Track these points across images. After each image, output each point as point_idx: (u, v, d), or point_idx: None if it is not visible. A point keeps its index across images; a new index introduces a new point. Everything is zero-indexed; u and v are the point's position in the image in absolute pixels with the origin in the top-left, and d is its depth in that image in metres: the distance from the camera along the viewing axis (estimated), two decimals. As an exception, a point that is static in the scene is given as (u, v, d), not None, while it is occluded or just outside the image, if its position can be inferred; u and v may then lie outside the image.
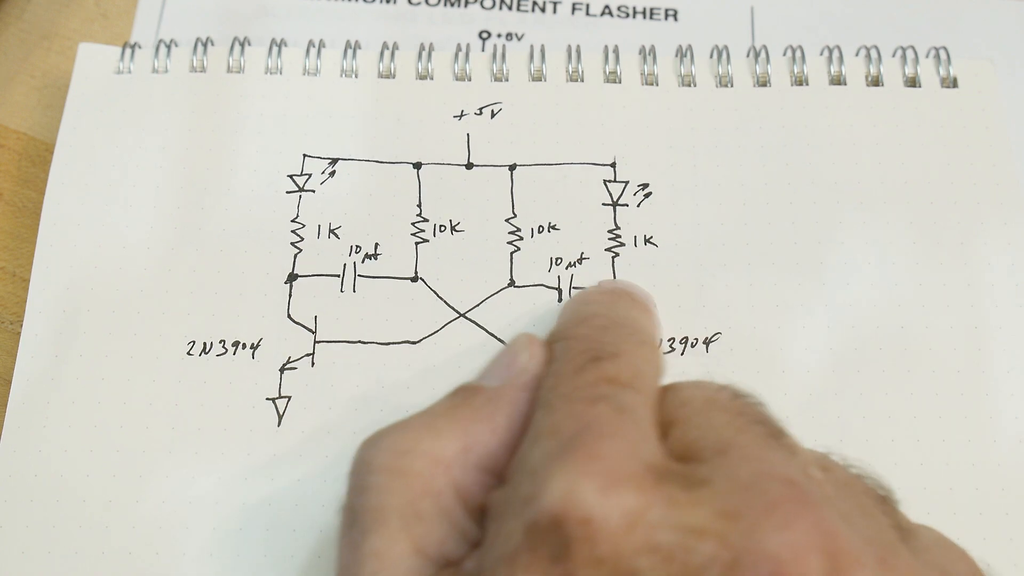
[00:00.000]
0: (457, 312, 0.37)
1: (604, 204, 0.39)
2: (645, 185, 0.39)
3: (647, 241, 0.38)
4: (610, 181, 0.39)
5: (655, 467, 0.23)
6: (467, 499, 0.26)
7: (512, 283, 0.37)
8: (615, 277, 0.37)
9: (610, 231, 0.38)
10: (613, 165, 0.39)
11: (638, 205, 0.39)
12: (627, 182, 0.39)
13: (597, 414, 0.24)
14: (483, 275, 0.37)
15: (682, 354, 0.36)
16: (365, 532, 0.25)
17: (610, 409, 0.24)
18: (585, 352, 0.27)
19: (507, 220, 0.38)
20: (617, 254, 0.38)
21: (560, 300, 0.37)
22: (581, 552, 0.21)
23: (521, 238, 0.38)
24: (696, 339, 0.36)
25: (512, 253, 0.38)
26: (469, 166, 0.39)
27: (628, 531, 0.21)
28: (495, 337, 0.36)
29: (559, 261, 0.38)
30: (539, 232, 0.38)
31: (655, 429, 0.25)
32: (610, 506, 0.21)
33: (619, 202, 0.39)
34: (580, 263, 0.38)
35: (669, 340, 0.36)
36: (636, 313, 0.32)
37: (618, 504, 0.21)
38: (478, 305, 0.37)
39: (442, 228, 0.38)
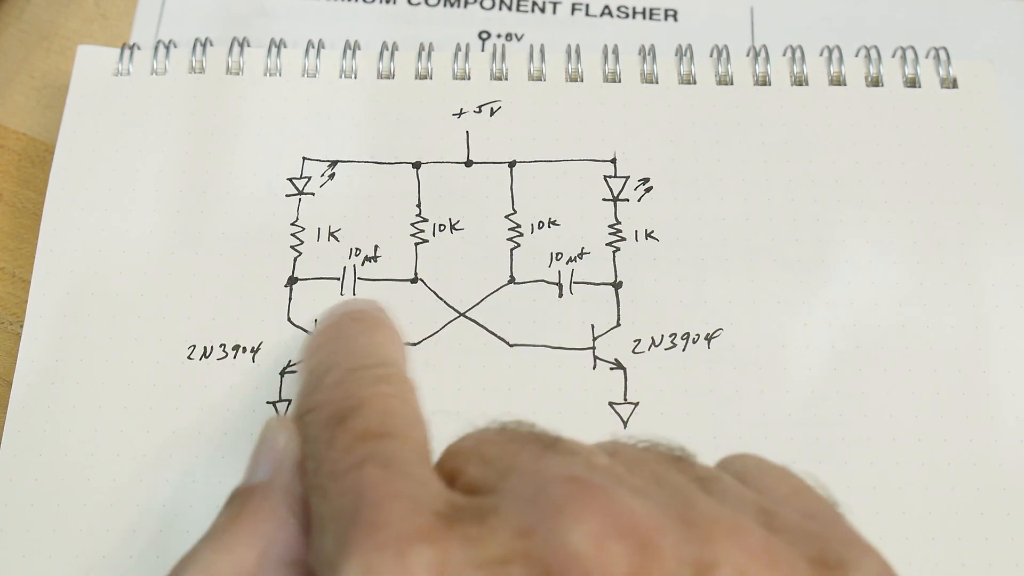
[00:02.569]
0: (457, 312, 0.37)
1: (605, 199, 0.39)
2: (646, 180, 0.39)
3: (648, 235, 0.38)
4: (611, 176, 0.39)
5: (441, 512, 0.22)
6: None
7: (512, 280, 0.37)
8: (616, 272, 0.37)
9: (611, 226, 0.38)
10: (613, 161, 0.39)
11: (639, 200, 0.39)
12: (628, 177, 0.39)
13: (365, 480, 0.23)
14: (483, 273, 0.37)
15: (684, 350, 0.36)
16: None
17: (376, 468, 0.23)
18: (330, 418, 0.27)
19: (507, 216, 0.38)
20: (618, 248, 0.38)
21: (560, 296, 0.37)
22: None
23: (521, 234, 0.38)
24: (698, 335, 0.36)
25: (512, 250, 0.38)
26: (468, 163, 0.39)
27: None
28: (495, 335, 0.36)
29: (559, 256, 0.38)
30: (539, 228, 0.38)
31: (428, 468, 0.25)
32: (411, 569, 0.21)
33: (620, 197, 0.39)
34: (581, 258, 0.38)
35: (671, 336, 0.36)
36: (363, 340, 0.31)
37: (418, 563, 0.21)
38: (478, 304, 0.37)
39: (441, 227, 0.38)
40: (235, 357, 0.36)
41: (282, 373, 0.36)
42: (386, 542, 0.21)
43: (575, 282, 0.37)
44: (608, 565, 0.20)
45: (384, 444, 0.25)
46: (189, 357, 0.36)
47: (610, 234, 0.38)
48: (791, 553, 0.22)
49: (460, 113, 0.40)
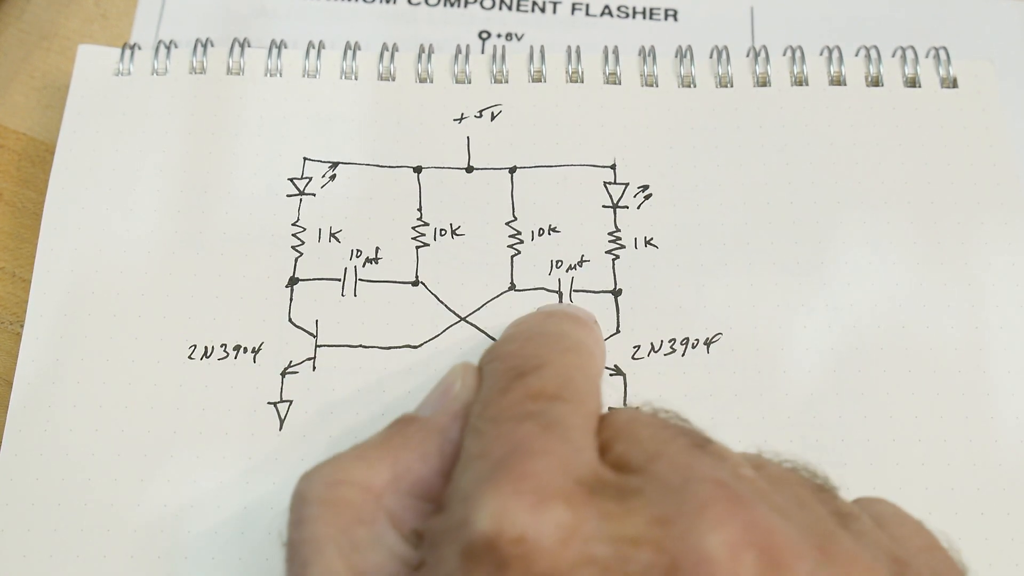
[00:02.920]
0: (458, 316, 0.37)
1: (604, 206, 0.39)
2: (645, 187, 0.39)
3: (647, 243, 0.38)
4: (610, 183, 0.39)
5: (586, 480, 0.23)
6: (401, 525, 0.26)
7: (513, 287, 0.37)
8: (615, 280, 0.37)
9: (610, 233, 0.38)
10: (613, 167, 0.39)
11: (638, 207, 0.39)
12: (627, 184, 0.39)
13: (525, 433, 0.24)
14: (484, 279, 0.37)
15: (683, 355, 0.36)
16: (305, 564, 0.25)
17: (538, 426, 0.24)
18: (510, 370, 0.27)
19: (507, 223, 0.38)
20: (617, 256, 0.38)
21: (560, 303, 0.37)
22: (517, 571, 0.21)
23: (521, 241, 0.38)
24: (697, 340, 0.36)
25: (512, 256, 0.38)
26: (469, 169, 0.39)
27: (563, 546, 0.21)
28: (496, 340, 0.36)
29: (559, 264, 0.38)
30: (539, 235, 0.38)
31: (590, 437, 0.25)
32: (543, 523, 0.21)
33: (619, 204, 0.39)
34: (580, 265, 0.38)
35: (670, 341, 0.36)
36: (567, 326, 0.32)
37: (551, 520, 0.21)
38: (479, 309, 0.37)
39: (442, 232, 0.38)
40: (236, 357, 0.36)
41: (283, 373, 0.36)
42: (526, 491, 0.22)
43: (575, 290, 0.37)
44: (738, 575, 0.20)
45: (554, 406, 0.25)
46: (190, 357, 0.36)
47: (609, 242, 0.38)
48: None
49: (461, 118, 0.40)
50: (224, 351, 0.36)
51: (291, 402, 0.35)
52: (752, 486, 0.23)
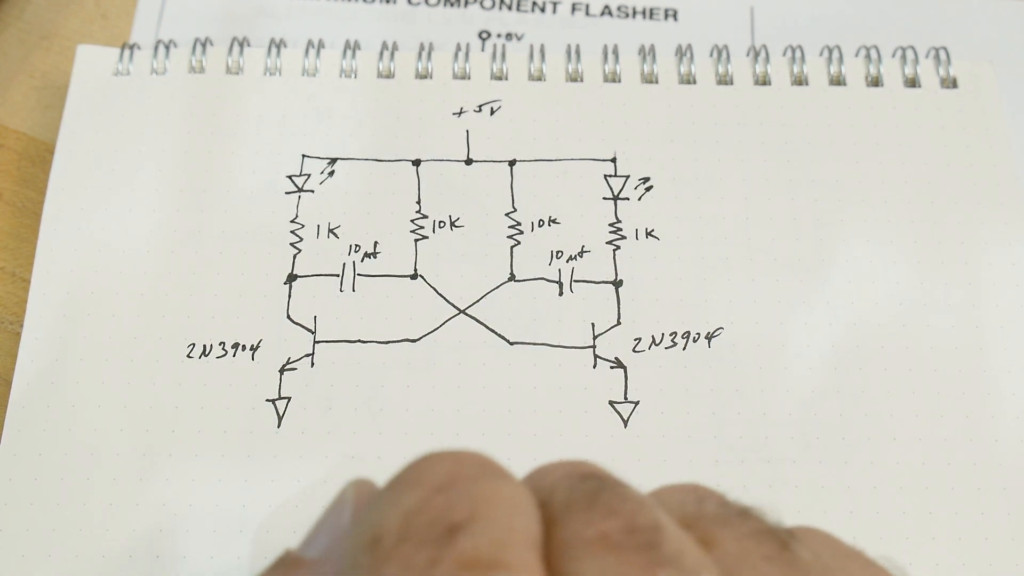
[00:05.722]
0: (457, 308, 0.37)
1: (605, 198, 0.39)
2: (646, 179, 0.39)
3: (648, 234, 0.38)
4: (611, 175, 0.39)
5: None
6: None
7: (512, 277, 0.37)
8: (616, 271, 0.37)
9: (611, 224, 0.38)
10: (614, 160, 0.39)
11: (639, 198, 0.39)
12: (628, 176, 0.39)
13: None
14: (483, 270, 0.37)
15: (684, 349, 0.36)
16: None
17: None
18: (436, 520, 0.22)
19: (507, 214, 0.38)
20: (618, 247, 0.38)
21: (560, 294, 0.37)
22: None
23: (521, 232, 0.38)
24: (698, 334, 0.36)
25: (512, 247, 0.38)
26: (468, 162, 0.39)
27: None
28: (495, 333, 0.36)
29: (560, 254, 0.38)
30: (539, 225, 0.38)
31: None
32: None
33: (620, 195, 0.39)
34: (581, 256, 0.38)
35: (671, 334, 0.36)
36: (471, 454, 0.25)
37: None
38: (478, 301, 0.37)
39: (441, 224, 0.38)
40: (234, 355, 0.36)
41: (281, 371, 0.36)
42: None
43: (575, 280, 0.37)
44: None
45: None
46: (188, 356, 0.36)
47: (610, 232, 0.38)
48: None
49: (460, 112, 0.40)
50: (223, 349, 0.36)
51: (290, 399, 0.35)
52: None
